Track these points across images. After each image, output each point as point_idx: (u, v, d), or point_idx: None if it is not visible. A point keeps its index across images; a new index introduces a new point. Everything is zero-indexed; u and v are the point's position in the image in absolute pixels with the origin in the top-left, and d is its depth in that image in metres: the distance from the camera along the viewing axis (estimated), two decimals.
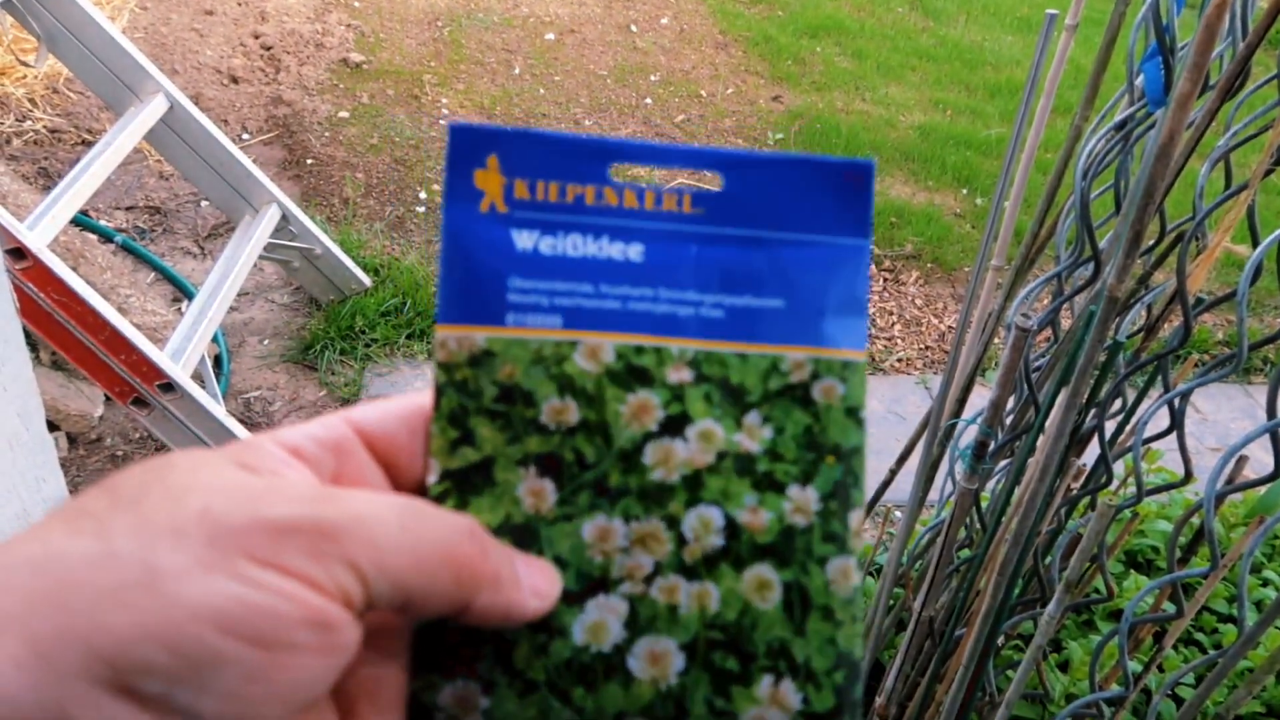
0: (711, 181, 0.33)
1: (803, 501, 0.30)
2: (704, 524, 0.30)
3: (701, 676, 0.29)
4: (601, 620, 0.29)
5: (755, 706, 0.29)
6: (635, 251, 0.31)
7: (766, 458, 0.31)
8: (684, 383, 0.31)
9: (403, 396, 0.31)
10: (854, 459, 0.31)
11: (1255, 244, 0.76)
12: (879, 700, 1.35)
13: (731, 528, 0.30)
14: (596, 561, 0.29)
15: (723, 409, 0.31)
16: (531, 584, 0.28)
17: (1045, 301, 1.10)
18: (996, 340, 1.18)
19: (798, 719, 0.29)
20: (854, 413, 0.31)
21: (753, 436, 0.31)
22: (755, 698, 0.29)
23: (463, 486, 0.30)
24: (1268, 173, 0.77)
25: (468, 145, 0.31)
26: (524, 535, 0.29)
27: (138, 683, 0.21)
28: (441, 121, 3.45)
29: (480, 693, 0.28)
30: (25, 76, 3.11)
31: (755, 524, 0.30)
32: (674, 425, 0.30)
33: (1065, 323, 1.03)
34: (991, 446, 1.03)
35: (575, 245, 0.31)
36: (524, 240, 0.31)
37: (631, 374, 0.31)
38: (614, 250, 0.31)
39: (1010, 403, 1.05)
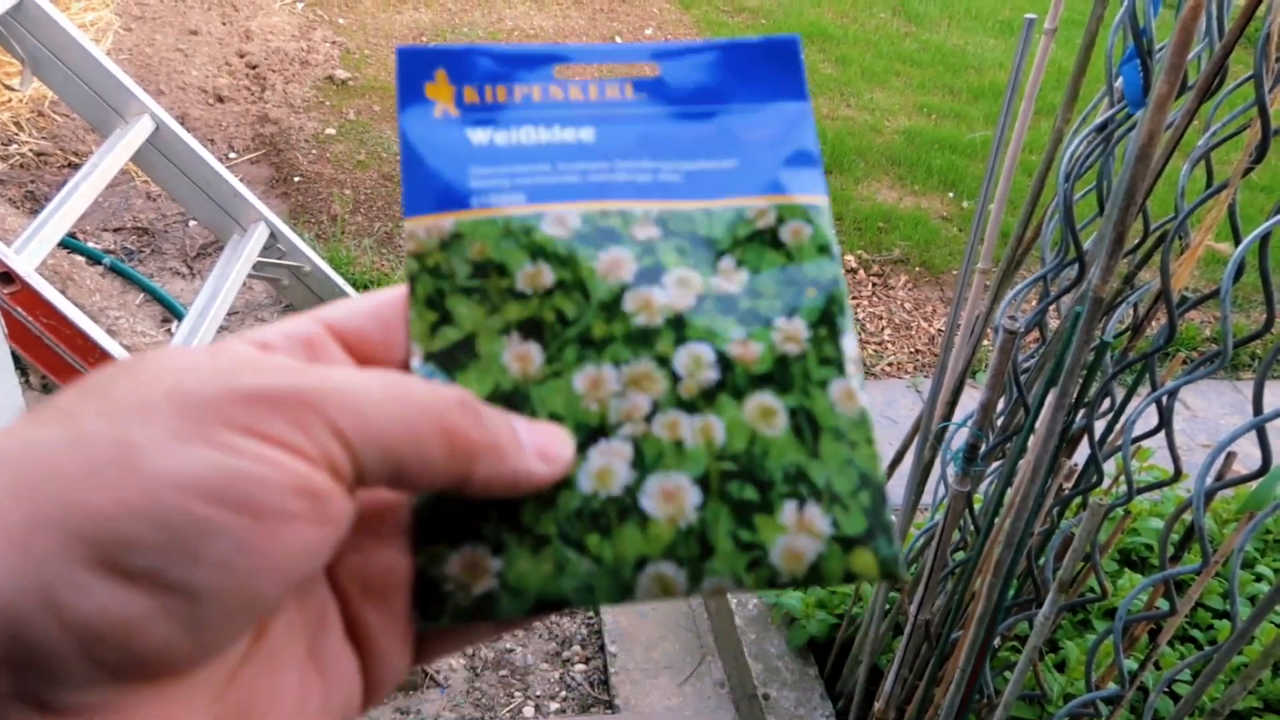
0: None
1: (791, 330, 0.30)
2: (695, 360, 0.30)
3: (720, 509, 0.28)
4: (607, 465, 0.28)
5: (783, 535, 0.28)
6: (587, 133, 0.33)
7: (747, 296, 0.31)
8: (653, 239, 0.31)
9: (371, 293, 0.30)
10: (834, 289, 0.31)
11: (1237, 241, 0.76)
12: (877, 704, 1.35)
13: (724, 361, 0.30)
14: (592, 410, 0.29)
15: (696, 258, 0.31)
16: (540, 448, 0.27)
17: (1032, 303, 1.10)
18: (985, 342, 1.18)
19: (830, 544, 0.28)
20: (825, 249, 0.32)
21: (730, 279, 0.31)
22: (781, 525, 0.28)
23: (447, 365, 0.29)
24: (1248, 170, 0.78)
25: (415, 63, 0.32)
26: (514, 400, 0.29)
27: (124, 559, 0.21)
28: None
29: (490, 555, 0.27)
30: (10, 100, 3.10)
31: (747, 355, 0.30)
32: (650, 275, 0.31)
33: (1053, 324, 1.04)
34: (983, 448, 1.04)
35: (528, 135, 0.32)
36: (479, 136, 0.32)
37: (600, 234, 0.31)
38: (566, 135, 0.32)
39: (1000, 404, 1.06)
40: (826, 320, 0.31)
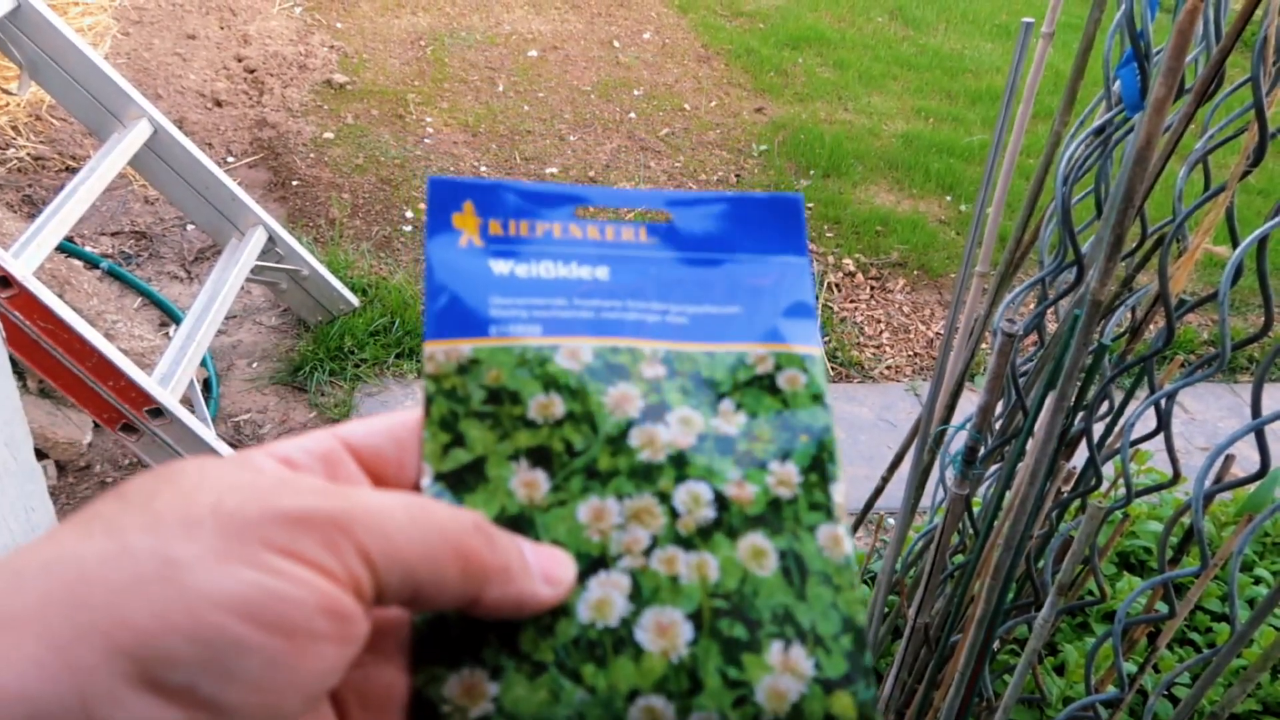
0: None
1: (784, 475, 0.32)
2: (694, 498, 0.31)
3: (711, 645, 0.29)
4: (605, 596, 0.29)
5: (768, 674, 0.29)
6: (602, 272, 0.34)
7: (745, 438, 0.32)
8: (659, 377, 0.33)
9: (387, 414, 0.32)
10: (825, 437, 0.33)
11: (1235, 244, 0.77)
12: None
13: (720, 501, 0.31)
14: (594, 540, 0.30)
15: (698, 398, 0.33)
16: (544, 572, 0.28)
17: (1030, 306, 1.11)
18: (984, 346, 1.18)
19: (812, 686, 0.29)
20: (819, 398, 0.34)
21: (729, 420, 0.33)
22: (767, 665, 0.29)
23: (456, 486, 0.30)
24: (1245, 174, 0.78)
25: (445, 194, 0.34)
26: (519, 525, 0.30)
27: (162, 674, 0.21)
28: (426, 140, 3.46)
29: (488, 679, 0.28)
30: (8, 104, 3.10)
31: (742, 496, 0.31)
32: (655, 413, 0.32)
33: (1051, 327, 1.04)
34: (981, 451, 1.04)
35: (547, 269, 0.34)
36: (500, 267, 0.34)
37: (610, 370, 0.33)
38: (583, 272, 0.34)
39: (999, 407, 1.06)
40: (817, 467, 0.32)
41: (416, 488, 0.30)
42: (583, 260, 0.34)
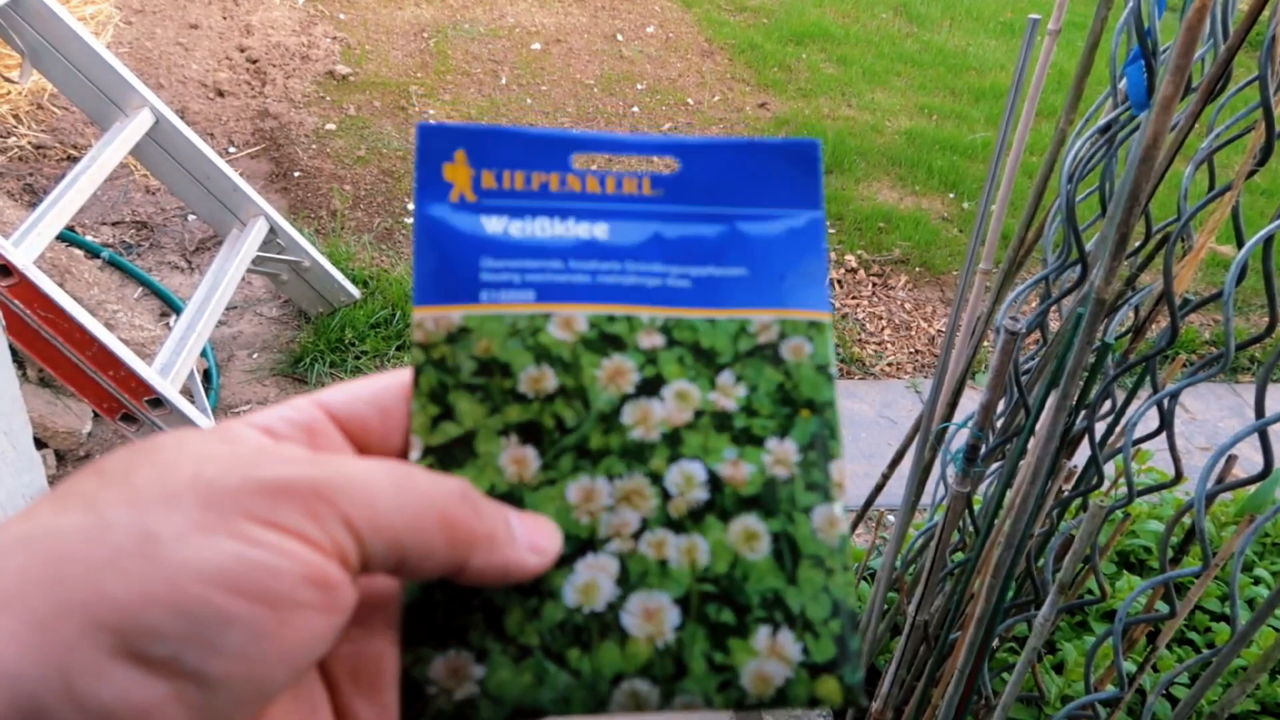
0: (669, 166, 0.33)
1: (782, 454, 0.31)
2: (687, 478, 0.30)
3: (697, 631, 0.29)
4: (592, 580, 0.29)
5: (754, 659, 0.28)
6: (601, 230, 0.32)
7: (743, 414, 0.31)
8: (656, 347, 0.32)
9: (370, 378, 0.31)
10: (828, 412, 0.32)
11: (1240, 244, 0.76)
12: (875, 705, 1.35)
13: (714, 481, 0.30)
14: (583, 522, 0.29)
15: (696, 370, 0.31)
16: (530, 541, 0.28)
17: (1033, 304, 1.11)
18: (986, 343, 1.18)
19: (798, 670, 0.29)
20: (824, 369, 0.32)
21: (727, 395, 0.31)
22: (754, 650, 0.29)
23: (445, 461, 0.30)
24: (1251, 173, 0.77)
25: (435, 142, 0.32)
26: (508, 503, 0.29)
27: (145, 647, 0.21)
28: None
29: (473, 661, 0.28)
30: (9, 93, 3.09)
31: (737, 477, 0.30)
32: (650, 387, 0.31)
33: (1054, 325, 1.03)
34: (983, 449, 1.03)
35: (543, 227, 0.32)
36: (493, 225, 0.32)
37: (605, 341, 0.31)
38: (580, 230, 0.32)
39: (1000, 405, 1.05)
40: (817, 444, 0.31)
41: (401, 455, 0.30)
42: (581, 216, 0.32)
